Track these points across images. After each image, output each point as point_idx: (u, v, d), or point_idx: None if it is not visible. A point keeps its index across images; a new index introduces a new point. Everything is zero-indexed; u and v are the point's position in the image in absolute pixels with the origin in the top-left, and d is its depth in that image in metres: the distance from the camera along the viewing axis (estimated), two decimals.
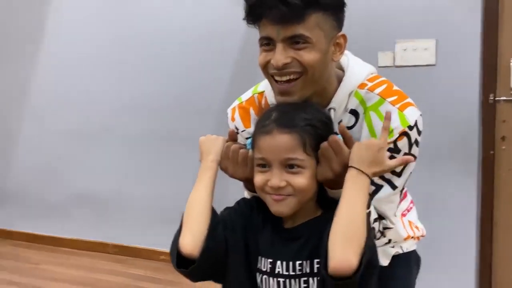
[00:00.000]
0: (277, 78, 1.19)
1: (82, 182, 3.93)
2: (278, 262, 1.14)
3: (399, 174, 1.24)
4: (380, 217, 1.26)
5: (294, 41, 1.15)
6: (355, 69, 1.28)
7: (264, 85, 1.35)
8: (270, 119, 1.14)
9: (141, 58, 3.63)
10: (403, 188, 1.30)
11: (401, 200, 1.40)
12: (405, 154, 1.24)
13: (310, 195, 1.14)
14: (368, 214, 1.16)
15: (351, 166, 1.10)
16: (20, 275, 3.47)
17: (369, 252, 1.02)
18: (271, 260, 1.15)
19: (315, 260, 1.12)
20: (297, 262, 1.13)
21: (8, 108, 4.19)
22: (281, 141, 1.10)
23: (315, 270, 1.12)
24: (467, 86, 2.76)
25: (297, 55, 1.15)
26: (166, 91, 3.56)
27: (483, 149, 2.80)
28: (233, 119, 1.39)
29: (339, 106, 1.24)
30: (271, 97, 1.31)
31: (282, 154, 1.10)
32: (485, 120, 2.78)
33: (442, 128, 2.81)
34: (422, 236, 1.51)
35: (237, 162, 1.20)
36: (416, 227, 1.47)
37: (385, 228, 1.28)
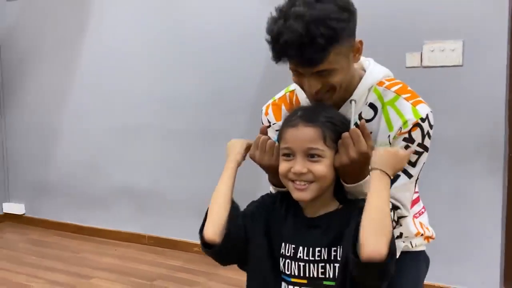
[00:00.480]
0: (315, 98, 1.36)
1: (122, 176, 4.13)
2: (300, 248, 1.28)
3: (414, 164, 1.38)
4: (395, 207, 1.37)
5: (320, 74, 1.30)
6: (375, 69, 1.44)
7: (295, 84, 1.49)
8: (296, 115, 1.30)
9: (178, 59, 3.79)
10: (417, 179, 1.42)
11: (414, 204, 1.51)
12: (419, 144, 1.36)
13: (328, 183, 1.27)
14: None
15: (375, 168, 1.22)
16: (64, 262, 3.69)
17: (393, 242, 1.15)
18: (294, 246, 1.29)
19: (333, 248, 1.25)
20: (317, 249, 1.27)
21: (53, 105, 4.42)
22: (305, 133, 1.25)
23: (332, 258, 1.25)
24: (493, 87, 2.82)
25: (326, 81, 1.31)
26: (202, 90, 3.71)
27: (509, 149, 2.85)
28: (266, 114, 1.56)
29: (359, 98, 1.39)
30: (301, 94, 1.47)
31: (305, 144, 1.24)
32: (511, 120, 2.83)
33: (468, 127, 2.88)
34: (431, 238, 1.60)
35: (264, 150, 1.35)
36: (427, 228, 1.57)
37: (400, 218, 1.39)
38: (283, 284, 1.31)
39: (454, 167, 2.95)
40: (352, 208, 1.27)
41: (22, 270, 3.54)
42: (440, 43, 2.90)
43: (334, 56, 1.26)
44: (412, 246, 1.53)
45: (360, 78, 1.41)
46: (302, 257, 1.28)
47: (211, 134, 3.70)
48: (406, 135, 1.35)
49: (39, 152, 4.55)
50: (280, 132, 1.32)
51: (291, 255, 1.29)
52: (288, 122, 1.30)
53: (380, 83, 1.41)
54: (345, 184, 1.29)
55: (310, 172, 1.24)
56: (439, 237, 2.96)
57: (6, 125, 4.71)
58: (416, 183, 1.43)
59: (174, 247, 3.90)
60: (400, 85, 1.42)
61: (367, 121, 1.37)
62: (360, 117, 1.40)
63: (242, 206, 1.43)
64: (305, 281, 1.28)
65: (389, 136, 1.36)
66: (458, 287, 2.97)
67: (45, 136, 4.50)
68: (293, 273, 1.29)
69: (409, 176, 1.38)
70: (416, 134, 1.35)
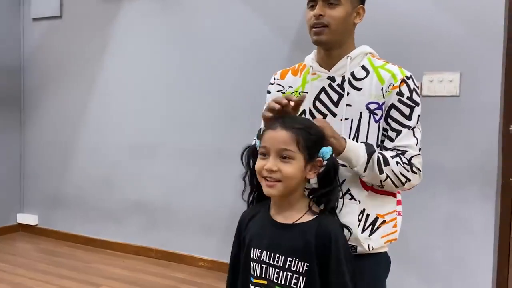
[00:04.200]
0: (315, 25, 1.64)
1: (134, 191, 4.30)
2: (264, 252, 1.44)
3: (409, 117, 1.60)
4: (403, 153, 1.58)
5: (328, 3, 1.62)
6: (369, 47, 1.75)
7: (305, 60, 1.79)
8: (277, 121, 1.46)
9: (192, 81, 3.99)
10: (415, 128, 1.61)
11: (399, 203, 1.67)
12: (408, 97, 1.60)
13: (294, 184, 1.43)
14: (385, 158, 1.54)
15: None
16: (74, 271, 3.84)
17: None
18: (260, 250, 1.45)
19: (288, 258, 1.40)
20: (276, 255, 1.42)
21: (71, 122, 4.63)
22: (280, 135, 1.42)
23: (286, 266, 1.40)
24: (488, 117, 2.98)
25: (328, 11, 1.62)
26: (214, 111, 3.90)
27: (502, 176, 3.00)
28: (275, 74, 1.85)
29: (354, 57, 1.66)
30: (307, 61, 1.74)
31: (279, 144, 1.41)
32: (505, 149, 2.98)
33: (464, 155, 3.04)
34: (394, 239, 1.68)
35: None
36: (394, 226, 1.67)
37: (411, 157, 1.58)
38: (251, 286, 1.47)
39: (449, 193, 3.10)
40: (319, 228, 1.41)
41: (34, 276, 3.71)
42: (439, 74, 3.08)
43: None
44: (369, 249, 1.62)
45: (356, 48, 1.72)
46: (264, 260, 1.44)
47: (221, 153, 3.87)
48: (397, 89, 1.60)
49: (55, 166, 4.75)
50: (262, 134, 1.50)
51: (257, 258, 1.46)
52: (270, 126, 1.47)
53: (372, 55, 1.71)
54: (342, 155, 1.51)
55: (279, 171, 1.40)
56: (434, 260, 3.10)
57: (25, 138, 4.92)
58: (415, 132, 1.61)
59: (180, 261, 4.05)
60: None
61: (359, 79, 1.64)
62: (352, 75, 1.65)
63: None
64: (265, 282, 1.44)
65: (382, 88, 1.61)
66: None
67: (61, 151, 4.70)
68: (256, 274, 1.45)
69: (408, 127, 1.60)
70: (404, 89, 1.60)
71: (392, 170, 1.54)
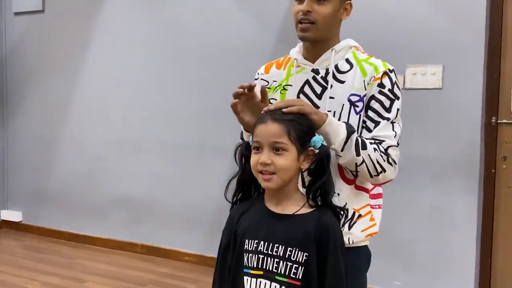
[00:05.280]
0: (301, 21, 1.64)
1: (118, 186, 4.27)
2: (262, 242, 1.44)
3: (388, 110, 1.61)
4: (380, 142, 1.58)
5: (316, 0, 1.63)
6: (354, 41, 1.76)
7: (290, 53, 1.79)
8: (267, 115, 1.47)
9: (177, 75, 3.97)
10: (394, 122, 1.61)
11: (377, 197, 1.67)
12: (389, 90, 1.61)
13: (289, 175, 1.44)
14: (363, 141, 1.54)
15: None
16: (58, 267, 3.82)
17: None
18: (257, 241, 1.45)
19: (289, 248, 1.41)
20: (275, 245, 1.42)
21: (55, 116, 4.58)
22: (271, 128, 1.43)
23: (286, 256, 1.41)
24: (471, 109, 3.00)
25: (316, 7, 1.62)
26: (198, 105, 3.89)
27: (485, 168, 3.02)
28: (259, 68, 1.87)
29: (338, 50, 1.68)
30: (293, 55, 1.75)
31: (271, 138, 1.42)
32: (487, 141, 3.01)
33: (447, 147, 3.06)
34: (374, 233, 1.69)
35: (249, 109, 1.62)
36: (372, 219, 1.68)
37: (388, 147, 1.59)
38: (245, 277, 1.45)
39: (432, 185, 3.12)
40: (319, 220, 1.42)
41: (18, 273, 3.68)
42: (422, 67, 3.09)
43: None
44: (350, 243, 1.63)
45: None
46: (262, 250, 1.44)
47: (205, 148, 3.86)
48: (379, 81, 1.61)
49: (39, 161, 4.70)
50: (254, 129, 1.50)
51: (253, 249, 1.45)
52: (260, 120, 1.48)
53: (357, 48, 1.72)
54: (321, 129, 1.51)
55: (273, 164, 1.42)
56: (418, 252, 3.12)
57: (8, 133, 4.87)
58: (394, 127, 1.61)
59: (165, 255, 4.03)
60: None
61: (343, 72, 1.65)
62: (336, 68, 1.66)
63: None
64: (261, 273, 1.43)
65: (364, 81, 1.62)
66: None
67: (45, 146, 4.65)
68: (252, 265, 1.44)
69: (387, 119, 1.61)
70: (386, 81, 1.62)
71: (369, 155, 1.53)
